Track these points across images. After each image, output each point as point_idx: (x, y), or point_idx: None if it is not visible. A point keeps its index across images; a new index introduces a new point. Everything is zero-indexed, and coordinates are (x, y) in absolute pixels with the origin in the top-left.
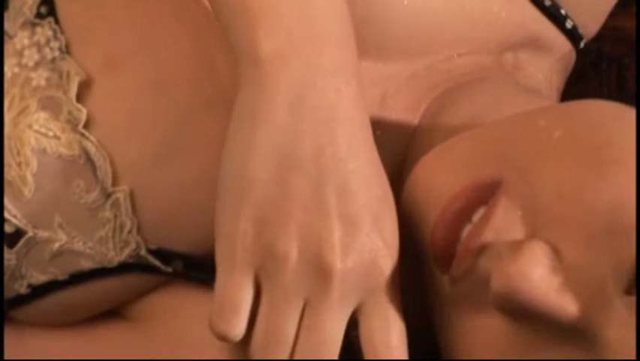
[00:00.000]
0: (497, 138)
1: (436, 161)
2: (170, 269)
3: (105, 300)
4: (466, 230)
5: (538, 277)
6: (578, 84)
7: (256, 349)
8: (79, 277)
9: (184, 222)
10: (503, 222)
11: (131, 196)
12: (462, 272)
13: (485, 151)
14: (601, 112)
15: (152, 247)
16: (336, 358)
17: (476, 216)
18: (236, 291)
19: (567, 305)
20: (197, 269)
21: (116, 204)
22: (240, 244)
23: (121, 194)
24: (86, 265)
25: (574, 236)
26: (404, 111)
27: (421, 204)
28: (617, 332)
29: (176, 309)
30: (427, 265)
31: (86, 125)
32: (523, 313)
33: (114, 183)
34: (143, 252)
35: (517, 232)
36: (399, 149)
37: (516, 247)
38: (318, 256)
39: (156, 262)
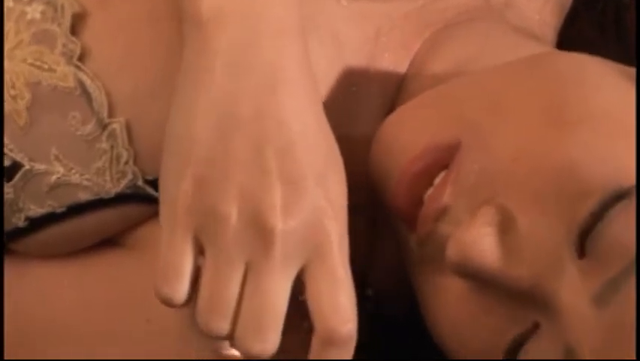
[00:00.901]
0: (458, 99)
1: (400, 120)
2: None
3: (102, 230)
4: (429, 193)
5: (488, 245)
6: (574, 25)
7: (199, 313)
8: (76, 209)
9: None
10: (461, 187)
11: (127, 127)
12: (425, 235)
13: (446, 112)
14: (568, 69)
15: (149, 177)
16: (281, 320)
17: (438, 180)
18: (177, 255)
19: (516, 272)
20: None
21: (112, 136)
22: (181, 206)
23: (117, 125)
24: (84, 196)
25: (528, 201)
26: (397, 49)
27: (385, 164)
28: (571, 296)
29: None
30: (398, 224)
31: (81, 58)
32: (477, 279)
33: (110, 115)
34: (140, 182)
35: (476, 197)
36: (390, 88)
37: (473, 212)
38: (258, 217)
39: (153, 192)
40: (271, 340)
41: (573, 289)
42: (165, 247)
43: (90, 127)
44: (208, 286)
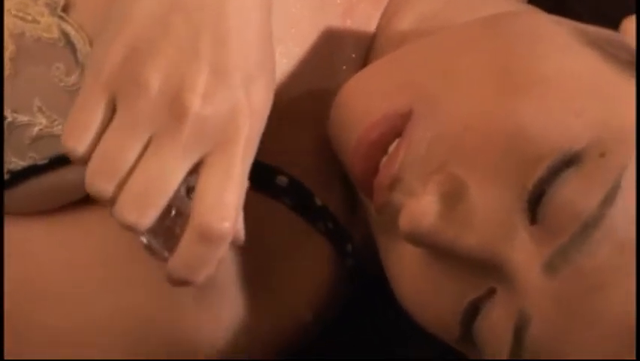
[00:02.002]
0: (411, 66)
1: (356, 88)
2: None
3: (83, 184)
4: (383, 161)
5: (438, 215)
6: None
7: (88, 170)
8: (58, 161)
9: None
10: (413, 156)
11: None
12: (381, 204)
13: (399, 80)
14: (521, 31)
15: None
16: (164, 199)
17: (391, 148)
18: (87, 111)
19: (468, 240)
20: None
21: None
22: (106, 67)
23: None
24: None
25: (479, 168)
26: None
27: (342, 133)
28: (523, 263)
29: None
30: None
31: (65, 9)
32: (431, 248)
33: None
34: None
35: (428, 165)
36: (363, 42)
37: (424, 181)
38: (177, 93)
39: None
40: (149, 214)
41: (525, 256)
42: (79, 101)
43: (74, 78)
44: (105, 146)
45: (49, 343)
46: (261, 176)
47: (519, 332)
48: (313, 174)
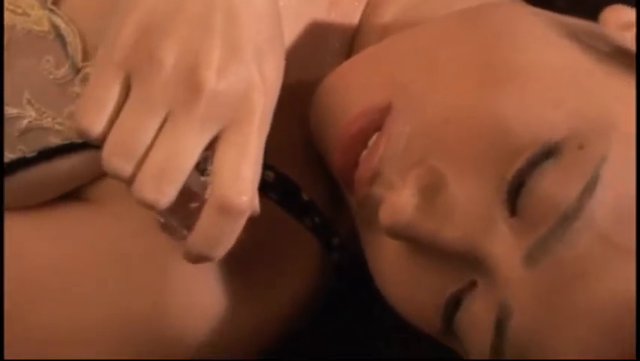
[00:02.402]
0: (391, 60)
1: (336, 82)
2: None
3: (72, 178)
4: (363, 155)
5: (418, 209)
6: None
7: (105, 148)
8: (47, 154)
9: None
10: (393, 150)
11: None
12: (361, 198)
13: (378, 74)
14: (498, 23)
15: None
16: (183, 176)
17: (371, 142)
18: (102, 89)
19: (448, 234)
20: None
21: (85, 80)
22: (120, 45)
23: (91, 69)
24: (54, 141)
25: (459, 161)
26: None
27: (322, 127)
28: (503, 255)
29: None
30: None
31: (56, 2)
32: (412, 241)
33: (84, 59)
34: None
35: (407, 159)
36: (348, 33)
37: (404, 175)
38: (193, 70)
39: None
40: (167, 192)
41: (505, 248)
42: (92, 80)
43: (63, 71)
44: (122, 124)
45: (41, 342)
46: None
47: (500, 324)
48: (300, 168)
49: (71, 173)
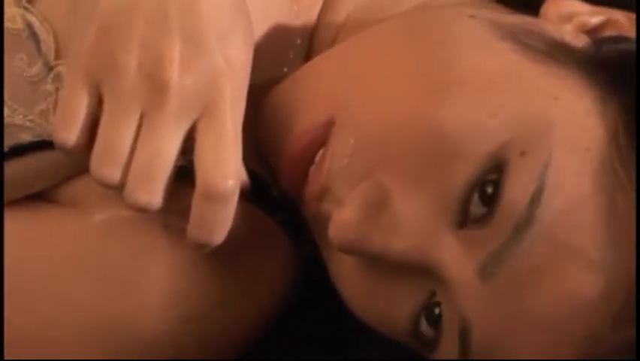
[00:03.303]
0: (331, 73)
1: (283, 95)
2: None
3: (43, 176)
4: (311, 171)
5: (365, 224)
6: None
7: (93, 160)
8: (18, 151)
9: None
10: (339, 165)
11: None
12: (313, 214)
13: (320, 88)
14: (433, 31)
15: None
16: (166, 172)
17: (318, 158)
18: (73, 101)
19: (397, 247)
20: None
21: (57, 78)
22: (83, 55)
23: (63, 67)
24: (26, 137)
25: (403, 174)
26: None
27: (270, 140)
28: (456, 268)
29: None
30: None
31: (30, 1)
32: (363, 256)
33: (57, 57)
34: None
35: (353, 174)
36: (307, 32)
37: (351, 190)
38: (155, 69)
39: None
40: (156, 191)
41: (455, 260)
42: (63, 92)
43: (36, 69)
44: (103, 134)
45: (20, 341)
46: None
47: (463, 335)
48: (266, 164)
49: (41, 171)
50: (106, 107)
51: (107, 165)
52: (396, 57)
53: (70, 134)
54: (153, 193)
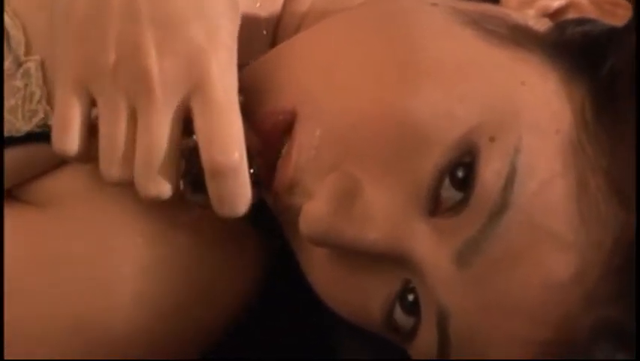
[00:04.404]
0: (293, 65)
1: (252, 76)
2: None
3: (11, 173)
4: (279, 165)
5: (335, 215)
6: None
7: (101, 165)
8: None
9: None
10: (306, 158)
11: (42, 66)
12: (282, 208)
13: (282, 80)
14: (400, 20)
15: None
16: (171, 158)
17: (284, 152)
18: (66, 110)
19: (369, 237)
20: None
21: (27, 74)
22: (67, 65)
23: (32, 63)
24: None
25: (371, 164)
26: None
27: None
28: (429, 256)
29: (82, 192)
30: None
31: None
32: (335, 248)
33: (27, 53)
34: (50, 121)
35: (321, 166)
36: (273, 20)
37: (320, 182)
38: (134, 60)
39: None
40: (162, 179)
41: (429, 249)
42: (56, 104)
43: (6, 65)
44: (103, 136)
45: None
46: None
47: (441, 323)
48: None
49: (11, 168)
50: (100, 109)
51: (114, 164)
52: (361, 47)
53: (70, 144)
54: (160, 182)
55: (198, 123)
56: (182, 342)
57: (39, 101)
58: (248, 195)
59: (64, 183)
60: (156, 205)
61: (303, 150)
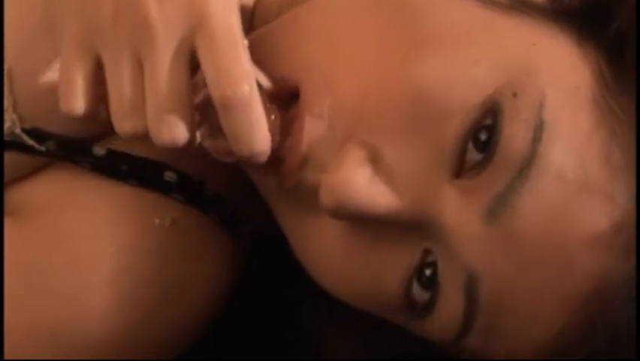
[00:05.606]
0: (295, 38)
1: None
2: (43, 148)
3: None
4: (287, 143)
5: (362, 183)
6: None
7: (114, 120)
8: None
9: None
10: (318, 133)
11: (9, 75)
12: (292, 186)
13: (286, 51)
14: None
15: (27, 126)
16: (181, 100)
17: (294, 128)
18: (69, 70)
19: (396, 204)
20: (71, 150)
21: None
22: (67, 26)
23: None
24: None
25: (390, 133)
26: None
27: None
28: (456, 218)
29: (53, 201)
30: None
31: None
32: (358, 219)
33: None
34: (17, 130)
35: (335, 139)
36: (246, 9)
37: (336, 154)
38: (133, 9)
39: (30, 141)
40: (175, 123)
41: (457, 210)
42: (61, 67)
43: None
44: (111, 90)
45: None
46: (149, 174)
47: (470, 291)
48: (201, 163)
49: None
50: (106, 65)
51: (126, 117)
52: (366, 19)
53: (77, 103)
54: (173, 126)
55: (204, 60)
56: (156, 345)
57: (6, 110)
58: (264, 129)
59: (35, 192)
60: (126, 213)
61: (313, 123)
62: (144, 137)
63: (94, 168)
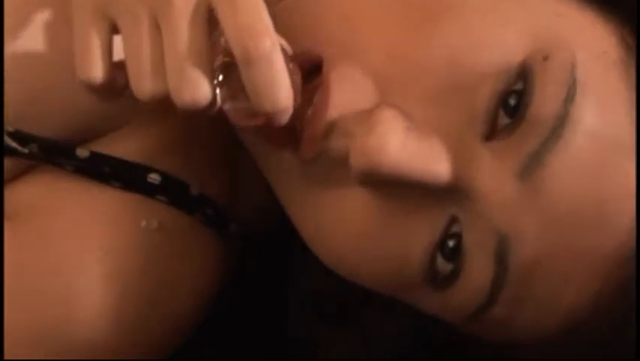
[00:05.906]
0: (315, 11)
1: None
2: (26, 150)
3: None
4: (309, 113)
5: (398, 145)
6: None
7: (132, 83)
8: None
9: (45, 105)
10: (341, 99)
11: None
12: (313, 155)
13: (306, 25)
14: None
15: (10, 128)
16: (201, 59)
17: (316, 98)
18: (85, 38)
19: (433, 168)
20: (54, 152)
21: None
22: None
23: None
24: None
25: (417, 96)
26: None
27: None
28: (488, 180)
29: (41, 205)
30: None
31: None
32: (390, 184)
33: None
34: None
35: (361, 104)
36: None
37: (365, 118)
38: None
39: (13, 144)
40: (197, 83)
41: (491, 171)
42: (75, 36)
43: None
44: (129, 55)
45: None
46: (132, 176)
47: (500, 256)
48: (191, 162)
49: None
50: (122, 30)
51: (145, 78)
52: None
53: (94, 71)
54: (194, 85)
55: (224, 17)
56: (147, 345)
57: None
58: (287, 84)
59: (19, 194)
60: (112, 216)
61: (339, 89)
62: (164, 99)
63: (77, 171)
